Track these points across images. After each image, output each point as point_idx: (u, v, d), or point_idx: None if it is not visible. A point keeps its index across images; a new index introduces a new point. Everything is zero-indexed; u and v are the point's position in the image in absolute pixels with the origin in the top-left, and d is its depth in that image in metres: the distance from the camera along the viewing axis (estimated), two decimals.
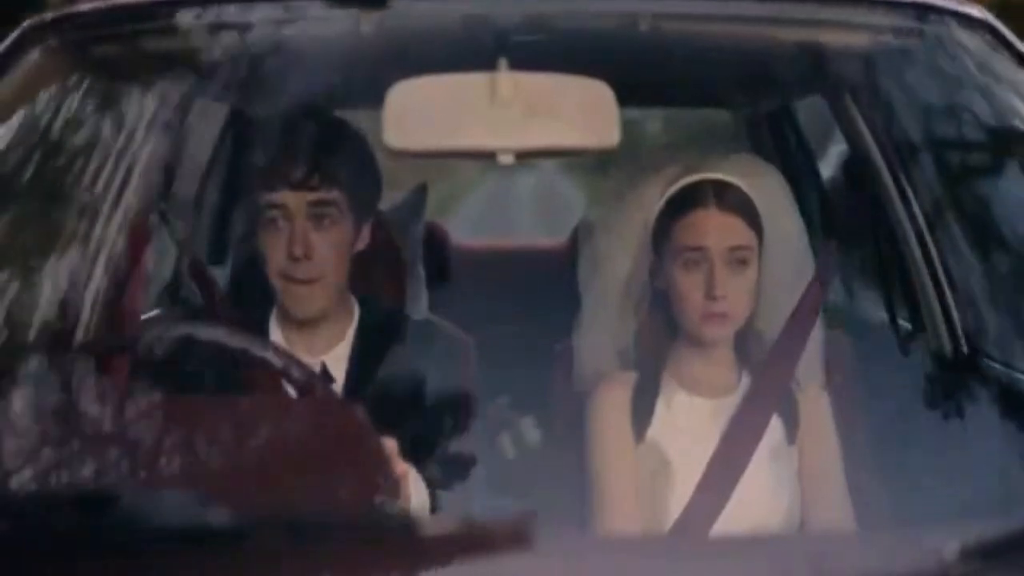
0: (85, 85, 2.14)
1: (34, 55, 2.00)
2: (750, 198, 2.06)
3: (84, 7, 2.03)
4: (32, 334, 1.97)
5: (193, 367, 1.77)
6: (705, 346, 2.08)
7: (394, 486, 1.52)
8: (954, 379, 2.40)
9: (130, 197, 2.30)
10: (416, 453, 1.84)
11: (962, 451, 2.02)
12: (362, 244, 2.14)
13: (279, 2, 2.06)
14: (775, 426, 2.09)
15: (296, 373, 1.63)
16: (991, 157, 2.24)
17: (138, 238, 2.33)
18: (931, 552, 1.28)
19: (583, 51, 1.79)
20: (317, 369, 2.02)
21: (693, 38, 2.23)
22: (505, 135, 1.47)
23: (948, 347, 2.47)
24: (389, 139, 1.49)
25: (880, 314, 2.80)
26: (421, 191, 3.02)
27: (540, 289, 2.73)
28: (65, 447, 1.48)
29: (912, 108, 2.43)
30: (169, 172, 2.54)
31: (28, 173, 2.04)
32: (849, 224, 2.83)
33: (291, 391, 1.65)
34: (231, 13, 2.04)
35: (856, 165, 2.68)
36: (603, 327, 2.14)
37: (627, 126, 1.53)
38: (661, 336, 2.13)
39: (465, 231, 5.57)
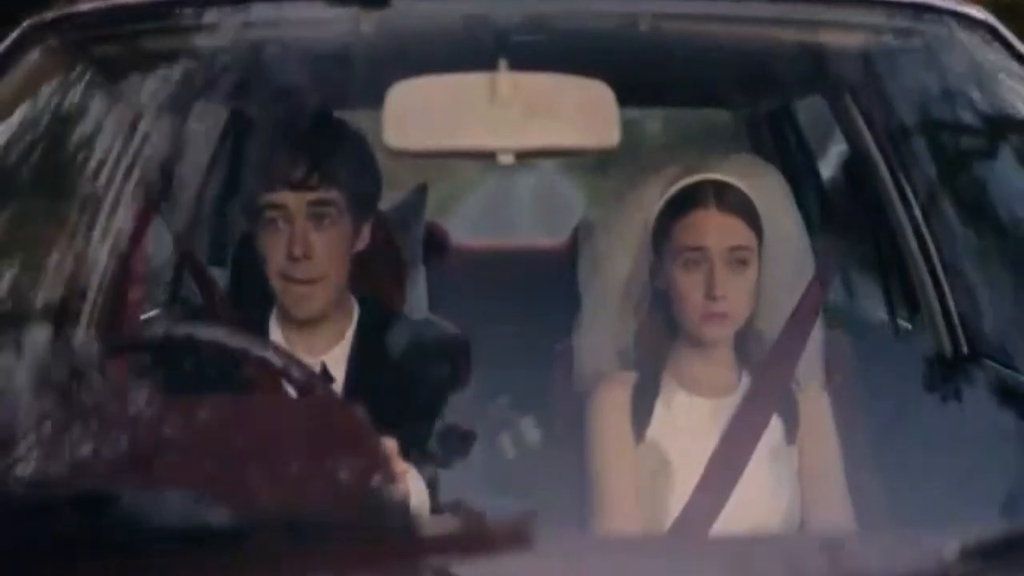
0: (85, 85, 2.14)
1: (34, 55, 2.00)
2: (750, 198, 2.06)
3: (84, 7, 2.03)
4: (32, 334, 1.97)
5: (193, 367, 1.77)
6: (705, 346, 2.08)
7: (394, 486, 1.52)
8: (954, 379, 2.40)
9: (130, 197, 2.30)
10: (416, 453, 1.84)
11: (962, 451, 2.02)
12: (362, 244, 2.14)
13: (279, 2, 2.06)
14: (775, 426, 2.09)
15: (296, 373, 1.63)
16: (991, 157, 2.23)
17: (138, 238, 2.34)
18: (931, 552, 1.28)
19: (583, 51, 1.79)
20: (317, 369, 2.02)
21: (693, 38, 2.23)
22: (505, 135, 1.47)
23: (948, 347, 2.47)
24: (389, 139, 1.49)
25: (880, 314, 2.81)
26: (421, 191, 3.02)
27: (540, 289, 2.73)
28: (65, 447, 1.48)
29: (912, 108, 2.43)
30: (169, 172, 2.54)
31: (28, 173, 2.04)
32: (849, 224, 2.83)
33: (291, 391, 1.65)
34: (231, 13, 2.04)
35: (856, 165, 2.68)
36: (603, 327, 2.14)
37: (627, 126, 1.53)
38: (661, 336, 2.13)
39: (465, 231, 5.58)
